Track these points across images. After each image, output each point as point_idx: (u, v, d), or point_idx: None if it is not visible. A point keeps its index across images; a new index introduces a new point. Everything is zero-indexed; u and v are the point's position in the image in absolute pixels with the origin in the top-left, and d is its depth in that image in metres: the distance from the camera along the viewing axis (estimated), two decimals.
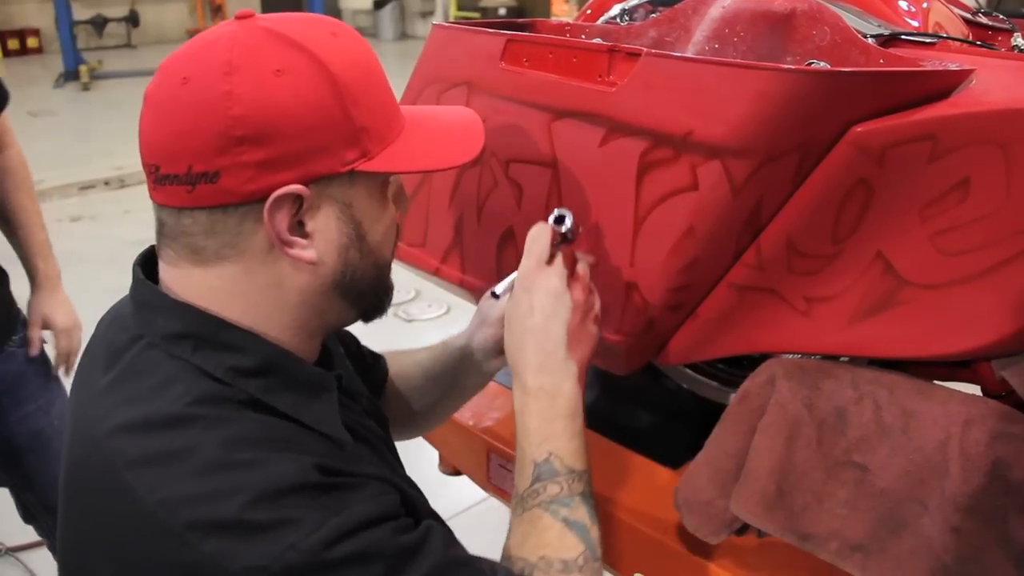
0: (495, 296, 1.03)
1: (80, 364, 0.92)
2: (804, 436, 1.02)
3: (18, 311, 1.78)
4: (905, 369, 1.06)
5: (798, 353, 1.10)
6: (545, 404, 0.94)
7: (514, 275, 1.00)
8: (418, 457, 0.95)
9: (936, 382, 1.03)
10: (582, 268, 1.00)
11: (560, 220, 1.00)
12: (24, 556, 2.47)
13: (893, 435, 0.98)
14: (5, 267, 1.75)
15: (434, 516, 0.90)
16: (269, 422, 0.79)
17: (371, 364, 1.22)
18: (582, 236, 1.04)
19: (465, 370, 1.20)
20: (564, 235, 1.00)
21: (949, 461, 0.95)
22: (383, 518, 0.77)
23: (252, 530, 0.71)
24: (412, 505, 0.85)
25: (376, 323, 1.20)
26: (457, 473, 1.60)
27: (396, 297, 0.96)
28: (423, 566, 0.76)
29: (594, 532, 0.92)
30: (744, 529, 1.10)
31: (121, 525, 0.76)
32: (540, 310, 0.96)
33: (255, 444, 0.76)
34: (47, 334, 1.84)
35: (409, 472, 1.00)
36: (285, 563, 0.70)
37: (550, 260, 0.98)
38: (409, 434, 1.33)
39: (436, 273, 1.34)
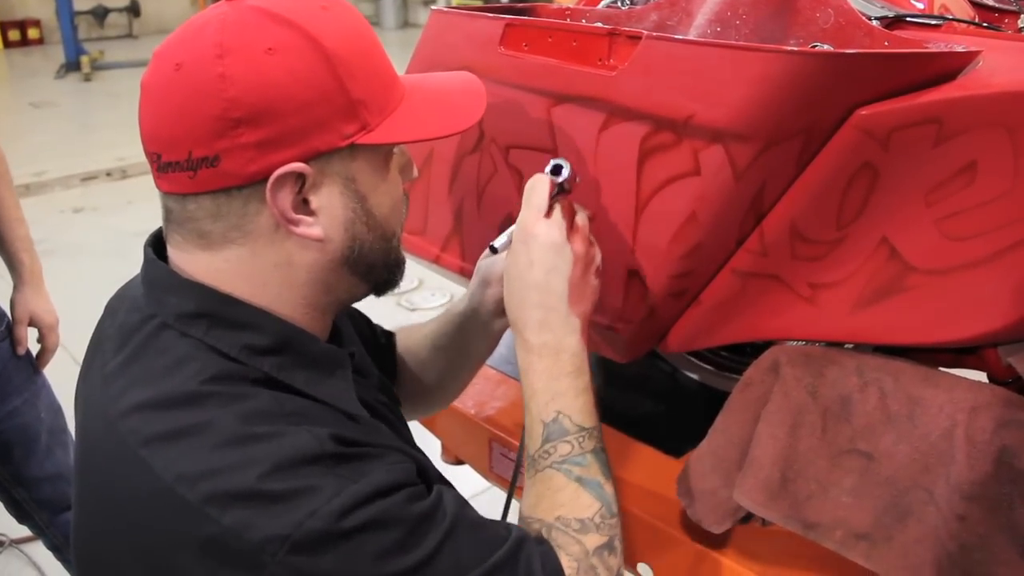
0: (493, 251, 1.00)
1: (88, 347, 0.91)
2: (808, 424, 1.01)
3: None
4: (909, 356, 1.04)
5: (801, 340, 1.08)
6: (549, 362, 0.93)
7: (512, 229, 0.97)
8: (420, 445, 0.96)
9: (941, 369, 1.02)
10: (581, 219, 0.97)
11: (557, 170, 0.96)
12: (27, 548, 2.48)
13: (898, 422, 0.97)
14: None
15: (446, 484, 0.89)
16: (284, 398, 0.79)
17: (384, 343, 1.21)
18: (579, 186, 1.00)
19: (471, 334, 1.17)
20: (561, 185, 0.96)
21: (955, 448, 0.94)
22: (399, 485, 0.77)
23: (271, 500, 0.71)
24: (426, 473, 0.85)
25: (379, 312, 1.20)
26: (459, 462, 1.59)
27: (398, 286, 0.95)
28: (440, 530, 0.76)
29: (608, 488, 0.91)
30: (748, 518, 1.09)
31: (139, 505, 0.76)
32: (540, 264, 0.93)
33: (271, 418, 0.76)
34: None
35: None
36: (306, 531, 0.70)
37: (548, 212, 0.95)
38: (425, 410, 1.32)
39: (436, 261, 1.33)
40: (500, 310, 1.08)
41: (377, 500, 0.74)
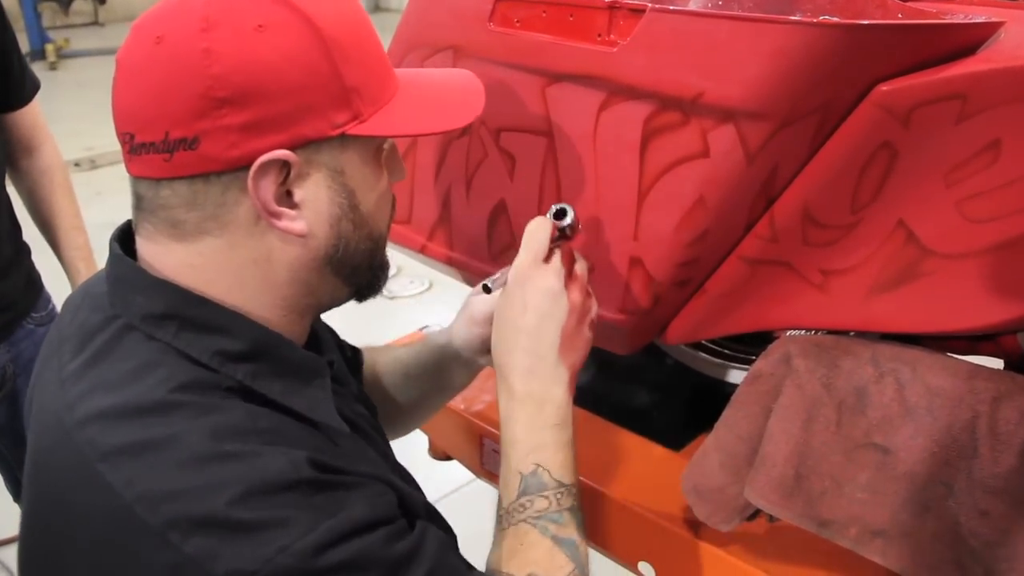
0: (487, 290, 0.97)
1: (44, 345, 0.85)
2: (823, 417, 0.97)
3: (41, 288, 1.71)
4: (921, 343, 1.00)
5: (811, 329, 1.04)
6: (533, 412, 0.90)
7: (507, 269, 0.95)
8: (405, 440, 0.93)
9: (956, 356, 0.98)
10: (580, 268, 0.95)
11: (561, 215, 0.95)
12: (2, 552, 2.41)
13: (916, 415, 0.93)
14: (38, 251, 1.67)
15: (431, 514, 0.85)
16: (259, 412, 0.73)
17: (350, 357, 1.16)
18: (582, 230, 0.98)
19: (449, 368, 1.14)
20: (563, 231, 0.95)
21: (977, 441, 0.90)
22: (379, 522, 0.71)
23: (240, 530, 0.66)
24: (408, 504, 0.80)
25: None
26: (447, 458, 1.55)
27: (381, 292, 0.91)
28: (417, 574, 0.72)
29: (583, 549, 0.88)
30: (755, 514, 1.05)
31: (94, 524, 0.70)
32: (534, 309, 0.91)
33: (245, 435, 0.71)
34: None
35: (397, 455, 0.96)
36: (274, 568, 0.65)
37: (548, 257, 0.92)
38: (394, 432, 1.26)
39: (422, 251, 1.28)
40: (481, 350, 1.06)
41: (354, 538, 0.69)
